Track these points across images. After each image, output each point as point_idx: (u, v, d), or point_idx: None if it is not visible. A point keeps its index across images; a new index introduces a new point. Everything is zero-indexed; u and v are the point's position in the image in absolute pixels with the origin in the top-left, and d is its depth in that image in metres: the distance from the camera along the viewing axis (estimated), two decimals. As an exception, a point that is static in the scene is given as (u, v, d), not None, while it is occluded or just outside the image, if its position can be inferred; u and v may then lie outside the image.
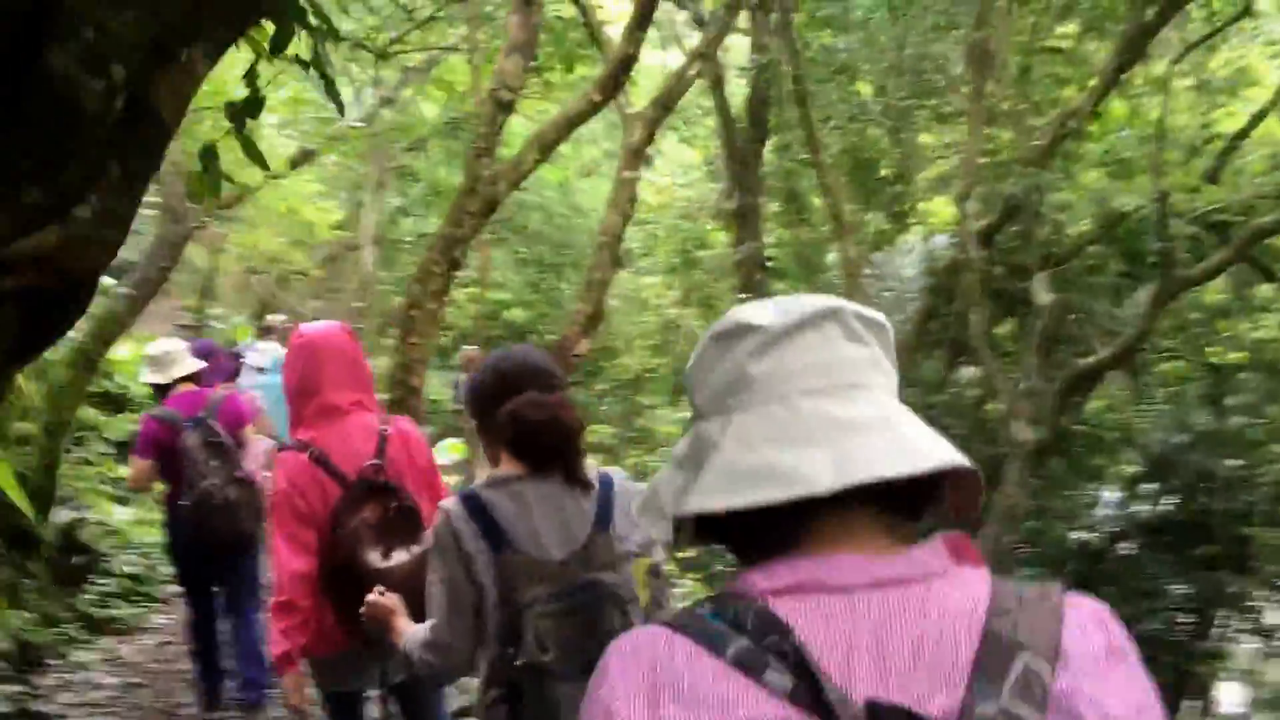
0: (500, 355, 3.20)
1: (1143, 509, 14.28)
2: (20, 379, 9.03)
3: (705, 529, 1.39)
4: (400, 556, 3.99)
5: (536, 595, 2.81)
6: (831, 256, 15.80)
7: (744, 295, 15.56)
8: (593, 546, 2.92)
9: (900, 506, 1.31)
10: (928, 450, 1.24)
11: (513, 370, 3.07)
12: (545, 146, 10.23)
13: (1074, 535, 14.53)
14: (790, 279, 16.37)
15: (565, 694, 2.71)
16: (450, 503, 2.98)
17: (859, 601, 1.22)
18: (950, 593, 1.24)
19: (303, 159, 18.24)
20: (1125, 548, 14.37)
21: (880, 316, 1.38)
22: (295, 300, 24.69)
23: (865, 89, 16.13)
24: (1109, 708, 1.18)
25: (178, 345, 7.77)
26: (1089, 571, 13.53)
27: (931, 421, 1.32)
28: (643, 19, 10.19)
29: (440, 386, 20.20)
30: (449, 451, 16.08)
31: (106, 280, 15.29)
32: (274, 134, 19.53)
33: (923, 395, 13.87)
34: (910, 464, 1.22)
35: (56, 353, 11.00)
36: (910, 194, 16.27)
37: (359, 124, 17.95)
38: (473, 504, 2.95)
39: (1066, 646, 1.20)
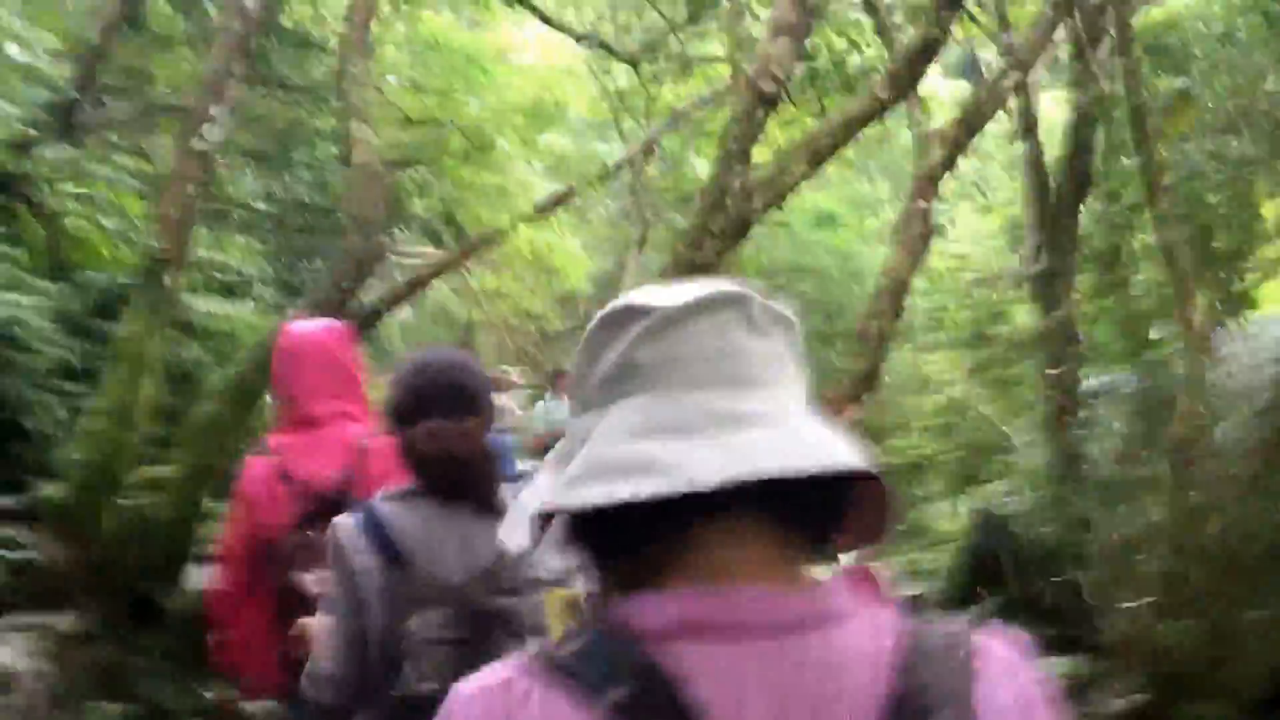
0: (419, 366, 2.86)
1: None
2: (152, 408, 7.09)
3: (577, 541, 1.16)
4: None
5: (426, 620, 2.56)
6: (1159, 332, 12.73)
7: (1052, 372, 12.64)
8: (498, 570, 2.63)
9: (796, 521, 1.12)
10: (827, 451, 1.05)
11: (424, 387, 2.79)
12: (816, 155, 7.78)
13: None
14: (1108, 355, 13.36)
15: None
16: (344, 517, 2.71)
17: (755, 649, 1.04)
18: (855, 641, 1.07)
19: (554, 203, 16.33)
20: None
21: (788, 311, 1.18)
22: (556, 360, 22.84)
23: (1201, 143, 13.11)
24: None
25: None
26: None
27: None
28: (952, -7, 7.69)
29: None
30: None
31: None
32: (537, 181, 17.85)
33: (1275, 509, 10.64)
34: (806, 462, 1.03)
35: (211, 384, 9.12)
36: (1255, 266, 13.09)
37: (615, 165, 15.96)
38: (367, 517, 2.68)
39: (978, 705, 1.07)
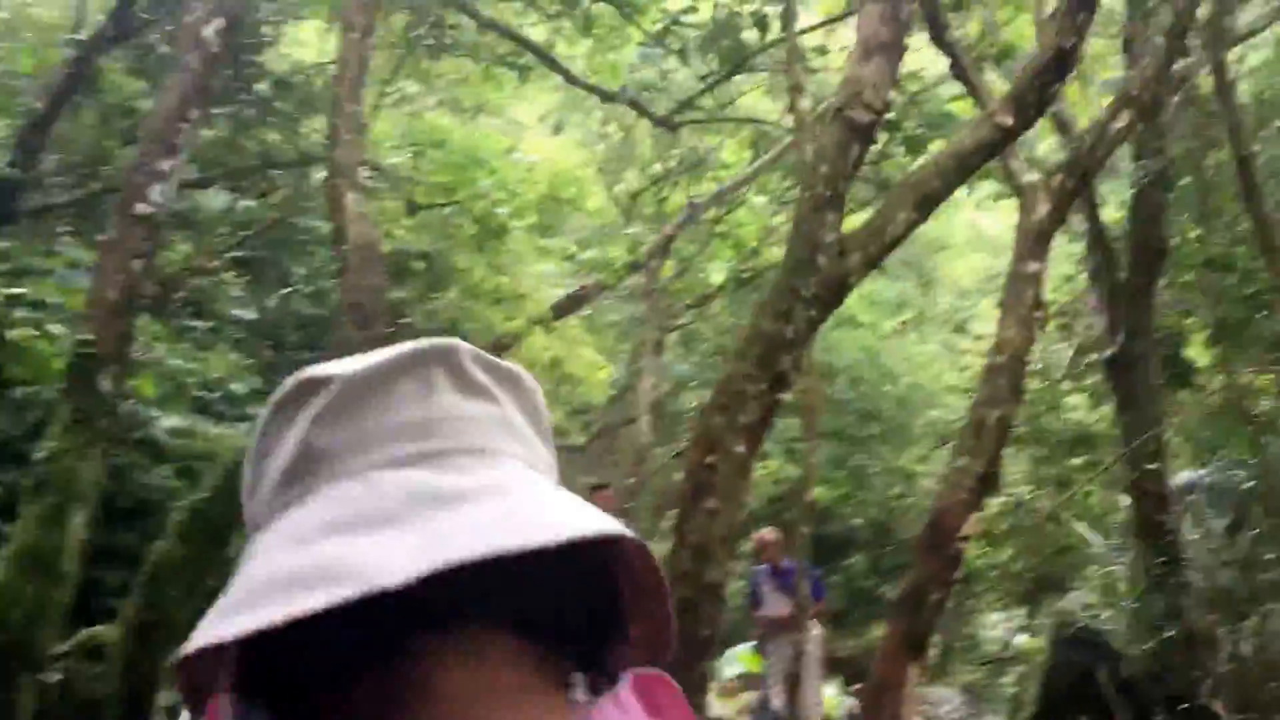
0: None
1: None
2: (86, 550, 5.12)
3: (256, 699, 0.78)
4: None
5: None
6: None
7: (1148, 467, 10.63)
8: None
9: (552, 629, 0.79)
10: (559, 520, 0.71)
11: None
12: (925, 199, 5.90)
13: None
14: (1204, 446, 11.44)
15: None
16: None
17: None
18: None
19: (571, 305, 14.53)
20: None
21: (515, 366, 0.85)
22: (566, 477, 20.81)
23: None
24: None
25: None
26: None
27: None
28: (1085, -3, 5.87)
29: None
30: (738, 662, 12.10)
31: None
32: (549, 289, 16.11)
33: None
34: (528, 536, 0.68)
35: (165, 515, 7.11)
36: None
37: (622, 262, 14.27)
38: None
39: None
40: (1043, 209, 7.18)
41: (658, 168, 18.00)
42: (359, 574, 0.66)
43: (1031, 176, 7.62)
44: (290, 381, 0.81)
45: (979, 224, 20.57)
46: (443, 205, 11.12)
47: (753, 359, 5.61)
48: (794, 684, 8.57)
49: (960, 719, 12.41)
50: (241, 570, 0.74)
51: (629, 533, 0.75)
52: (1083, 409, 14.46)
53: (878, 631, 16.24)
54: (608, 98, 11.71)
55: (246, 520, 0.82)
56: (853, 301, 20.35)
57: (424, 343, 0.81)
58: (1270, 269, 8.87)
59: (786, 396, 5.81)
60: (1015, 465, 14.77)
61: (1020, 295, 7.04)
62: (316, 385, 0.79)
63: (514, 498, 0.74)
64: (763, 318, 5.77)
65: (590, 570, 0.79)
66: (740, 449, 5.51)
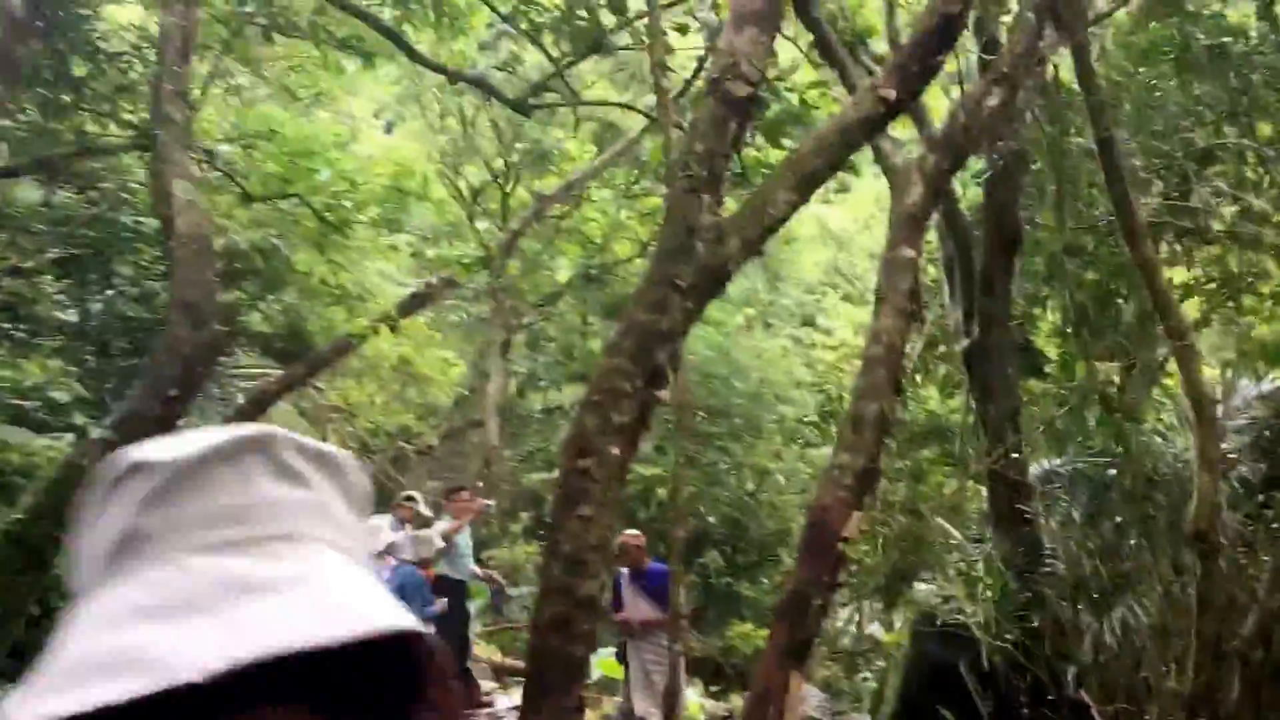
0: None
1: None
2: None
3: None
4: None
5: None
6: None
7: (992, 467, 10.48)
8: None
9: (359, 715, 0.84)
10: (357, 614, 0.75)
11: None
12: (807, 179, 5.51)
13: None
14: (1061, 436, 11.35)
15: None
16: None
17: None
18: None
19: (417, 304, 13.88)
20: None
21: (334, 450, 0.87)
22: (413, 481, 20.10)
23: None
24: None
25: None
26: None
27: None
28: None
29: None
30: (597, 669, 11.65)
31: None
32: (384, 281, 15.38)
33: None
34: (324, 630, 0.72)
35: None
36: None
37: (471, 258, 13.68)
38: None
39: None
40: (916, 191, 6.84)
41: (500, 163, 17.46)
42: (160, 666, 0.68)
43: (902, 159, 7.31)
44: (119, 461, 0.81)
45: (824, 217, 20.46)
46: (280, 198, 10.38)
47: (627, 353, 5.14)
48: (669, 692, 8.13)
49: (824, 716, 12.13)
50: (57, 641, 0.73)
51: (419, 628, 0.77)
52: (934, 400, 14.39)
53: (734, 630, 16.00)
54: (457, 78, 11.06)
55: (74, 585, 0.81)
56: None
57: (244, 429, 0.82)
58: (1132, 253, 8.78)
59: (663, 393, 5.35)
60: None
61: (896, 283, 6.69)
62: (140, 468, 0.80)
63: (318, 588, 0.76)
64: (637, 309, 5.29)
65: (391, 647, 0.78)
66: (615, 451, 5.03)
